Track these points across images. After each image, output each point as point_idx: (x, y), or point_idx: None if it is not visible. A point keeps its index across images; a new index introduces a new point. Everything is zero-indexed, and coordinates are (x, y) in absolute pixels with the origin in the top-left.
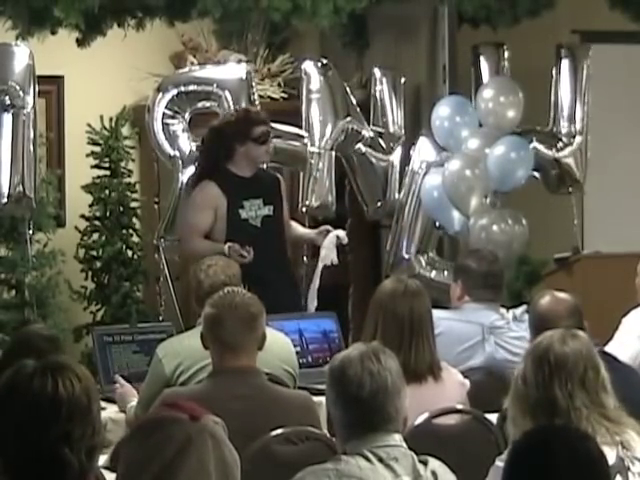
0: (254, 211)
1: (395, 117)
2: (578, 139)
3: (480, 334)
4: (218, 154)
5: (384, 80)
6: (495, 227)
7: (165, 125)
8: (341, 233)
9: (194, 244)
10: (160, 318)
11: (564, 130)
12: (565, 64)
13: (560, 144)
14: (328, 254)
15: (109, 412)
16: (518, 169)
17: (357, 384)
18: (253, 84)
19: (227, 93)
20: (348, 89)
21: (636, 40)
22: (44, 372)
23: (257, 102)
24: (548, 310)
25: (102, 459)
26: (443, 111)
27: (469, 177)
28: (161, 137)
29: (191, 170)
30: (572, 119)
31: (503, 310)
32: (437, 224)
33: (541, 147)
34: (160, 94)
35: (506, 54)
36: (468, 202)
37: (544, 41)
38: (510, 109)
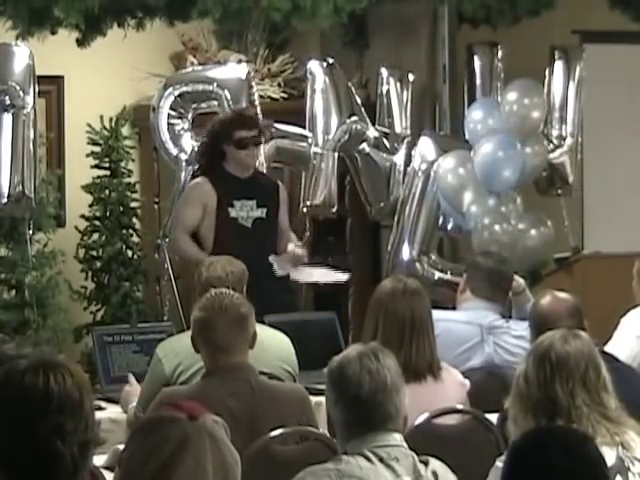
0: (245, 211)
1: (402, 117)
2: (569, 141)
3: (479, 335)
4: (212, 152)
5: (391, 80)
6: (497, 227)
7: (170, 125)
8: (298, 251)
9: (179, 239)
10: (165, 317)
11: (555, 132)
12: (559, 66)
13: (551, 146)
14: (280, 265)
15: (109, 412)
16: (505, 168)
17: (356, 383)
18: (253, 84)
19: (227, 92)
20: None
21: (636, 40)
22: (36, 369)
23: (257, 102)
24: (549, 310)
25: (102, 459)
26: (476, 115)
27: (461, 174)
28: (166, 136)
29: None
30: (564, 121)
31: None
32: (439, 224)
33: None
34: (165, 93)
35: (500, 54)
36: (461, 199)
37: (544, 41)
38: (534, 110)
